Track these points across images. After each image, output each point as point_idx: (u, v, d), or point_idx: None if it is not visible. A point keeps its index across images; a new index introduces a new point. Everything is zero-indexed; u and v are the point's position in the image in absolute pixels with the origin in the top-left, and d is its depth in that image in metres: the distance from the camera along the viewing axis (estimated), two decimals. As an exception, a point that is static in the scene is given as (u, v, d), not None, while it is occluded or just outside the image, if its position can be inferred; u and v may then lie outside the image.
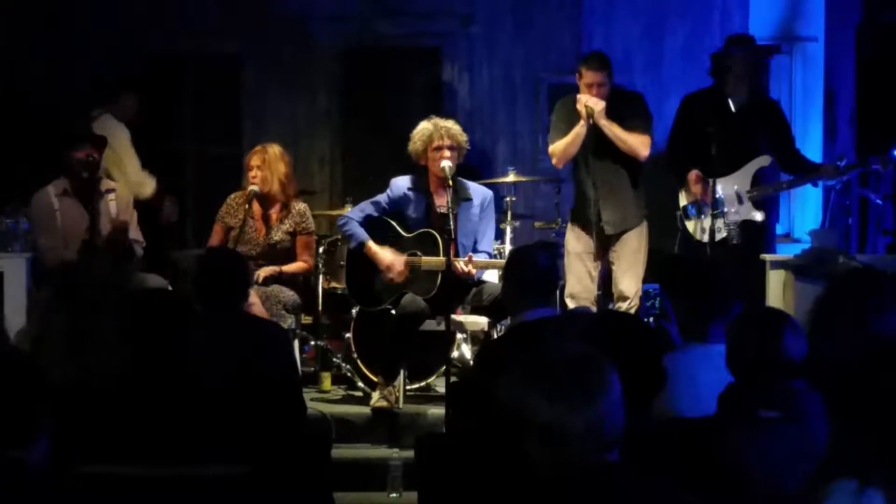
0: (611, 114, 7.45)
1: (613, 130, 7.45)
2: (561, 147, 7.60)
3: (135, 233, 7.56)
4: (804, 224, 9.62)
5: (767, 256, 7.66)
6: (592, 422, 2.69)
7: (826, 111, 9.57)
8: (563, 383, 2.73)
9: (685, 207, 7.76)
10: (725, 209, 7.53)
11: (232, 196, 7.78)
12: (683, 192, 7.79)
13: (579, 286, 7.58)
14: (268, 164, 7.60)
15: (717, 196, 7.52)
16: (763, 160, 7.66)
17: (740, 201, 7.57)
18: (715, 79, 7.85)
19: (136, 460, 2.97)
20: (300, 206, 7.77)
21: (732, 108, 7.59)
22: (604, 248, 7.62)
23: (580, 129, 7.47)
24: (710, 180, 7.52)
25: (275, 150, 7.70)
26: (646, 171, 7.73)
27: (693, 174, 7.65)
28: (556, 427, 2.70)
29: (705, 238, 7.57)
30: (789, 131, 7.92)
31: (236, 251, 7.16)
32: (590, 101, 7.41)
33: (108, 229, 7.39)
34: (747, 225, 7.61)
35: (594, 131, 7.44)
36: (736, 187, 7.56)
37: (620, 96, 7.64)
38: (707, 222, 7.58)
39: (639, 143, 7.49)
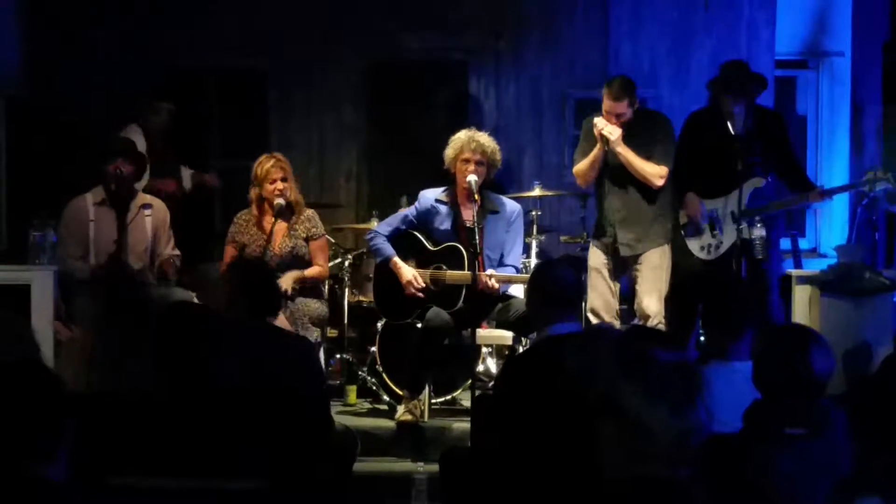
0: (632, 137, 7.42)
1: (629, 158, 7.42)
2: (582, 170, 7.62)
3: (173, 249, 7.59)
4: (830, 239, 9.61)
5: (793, 272, 7.64)
6: (683, 430, 2.60)
7: (853, 126, 9.55)
8: (670, 384, 2.63)
9: (683, 226, 7.71)
10: (721, 228, 7.50)
11: (239, 214, 7.73)
12: (682, 212, 7.74)
13: (601, 302, 7.56)
14: (288, 174, 7.61)
15: (712, 215, 7.52)
16: (757, 181, 7.58)
17: (735, 221, 7.50)
18: (711, 102, 7.80)
19: (162, 473, 2.98)
20: (308, 211, 7.76)
21: (731, 129, 7.52)
22: (624, 266, 7.62)
23: (597, 153, 7.48)
24: (708, 200, 7.54)
25: (284, 158, 7.72)
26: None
27: (689, 196, 7.63)
28: (648, 429, 2.59)
29: (703, 255, 7.58)
30: (790, 147, 7.84)
31: (266, 262, 7.17)
32: (605, 129, 7.40)
33: (143, 246, 7.42)
34: (745, 243, 7.55)
35: (614, 153, 7.45)
36: (731, 207, 7.52)
37: (645, 119, 7.58)
38: (705, 240, 7.58)
39: (654, 174, 7.45)
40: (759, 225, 7.44)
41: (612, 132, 7.38)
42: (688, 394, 2.60)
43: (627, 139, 7.42)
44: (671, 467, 2.59)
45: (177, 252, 7.60)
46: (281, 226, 7.62)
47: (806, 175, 7.90)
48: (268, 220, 7.60)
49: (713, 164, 7.45)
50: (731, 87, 7.49)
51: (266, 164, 7.60)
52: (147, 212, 7.46)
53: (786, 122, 7.98)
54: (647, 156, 7.45)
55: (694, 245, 7.66)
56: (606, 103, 7.43)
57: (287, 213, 7.60)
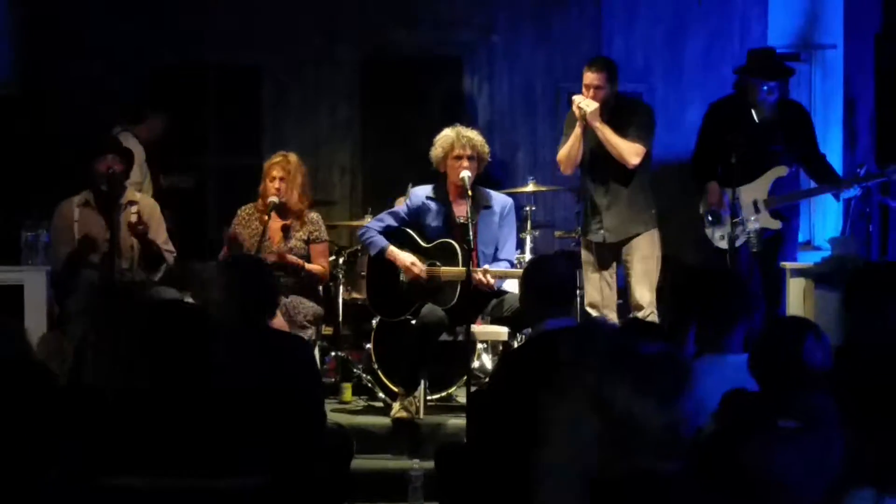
0: (611, 119, 7.44)
1: (605, 133, 7.43)
2: (564, 152, 7.63)
3: (166, 243, 7.58)
4: (824, 232, 9.60)
5: (787, 264, 7.65)
6: (672, 422, 2.60)
7: (845, 119, 9.55)
8: (654, 377, 2.63)
9: (704, 215, 7.74)
10: (743, 217, 7.50)
11: (243, 208, 7.75)
12: (702, 201, 7.77)
13: (598, 296, 7.58)
14: (289, 175, 7.60)
15: (735, 204, 7.51)
16: (780, 170, 7.63)
17: (757, 210, 7.54)
18: (737, 90, 7.83)
19: (156, 472, 2.98)
20: (313, 214, 7.76)
21: (755, 118, 7.56)
22: (613, 256, 7.62)
23: (578, 131, 7.49)
24: (729, 189, 7.53)
25: (295, 159, 7.68)
26: (656, 177, 7.71)
27: (712, 185, 7.66)
28: (635, 422, 2.58)
29: (724, 245, 7.57)
30: (813, 137, 7.88)
31: (264, 261, 7.15)
32: (583, 102, 7.42)
33: (128, 243, 7.41)
34: (765, 234, 7.58)
35: (595, 138, 7.45)
36: (754, 196, 7.53)
37: (626, 104, 7.66)
38: (726, 230, 7.57)
39: (630, 151, 7.44)
40: (753, 218, 7.45)
41: (589, 105, 7.40)
42: (676, 386, 2.60)
43: (607, 123, 7.43)
44: (661, 460, 2.59)
45: (171, 248, 7.59)
46: (281, 224, 7.61)
47: (830, 164, 7.92)
48: (271, 216, 7.59)
49: (736, 153, 7.43)
50: (761, 72, 7.53)
51: (271, 161, 7.67)
52: (133, 209, 7.43)
53: (808, 112, 8.02)
54: (623, 135, 7.46)
55: (714, 234, 7.68)
56: (586, 76, 7.49)
57: (284, 212, 7.60)
